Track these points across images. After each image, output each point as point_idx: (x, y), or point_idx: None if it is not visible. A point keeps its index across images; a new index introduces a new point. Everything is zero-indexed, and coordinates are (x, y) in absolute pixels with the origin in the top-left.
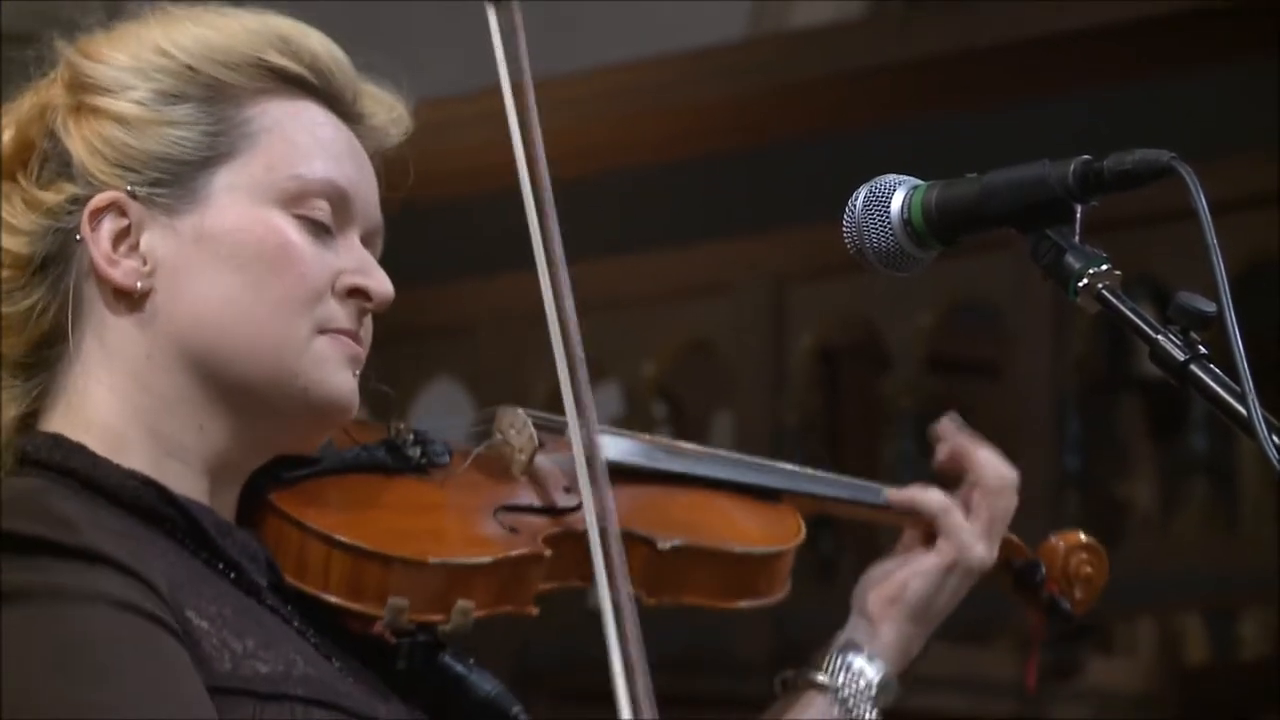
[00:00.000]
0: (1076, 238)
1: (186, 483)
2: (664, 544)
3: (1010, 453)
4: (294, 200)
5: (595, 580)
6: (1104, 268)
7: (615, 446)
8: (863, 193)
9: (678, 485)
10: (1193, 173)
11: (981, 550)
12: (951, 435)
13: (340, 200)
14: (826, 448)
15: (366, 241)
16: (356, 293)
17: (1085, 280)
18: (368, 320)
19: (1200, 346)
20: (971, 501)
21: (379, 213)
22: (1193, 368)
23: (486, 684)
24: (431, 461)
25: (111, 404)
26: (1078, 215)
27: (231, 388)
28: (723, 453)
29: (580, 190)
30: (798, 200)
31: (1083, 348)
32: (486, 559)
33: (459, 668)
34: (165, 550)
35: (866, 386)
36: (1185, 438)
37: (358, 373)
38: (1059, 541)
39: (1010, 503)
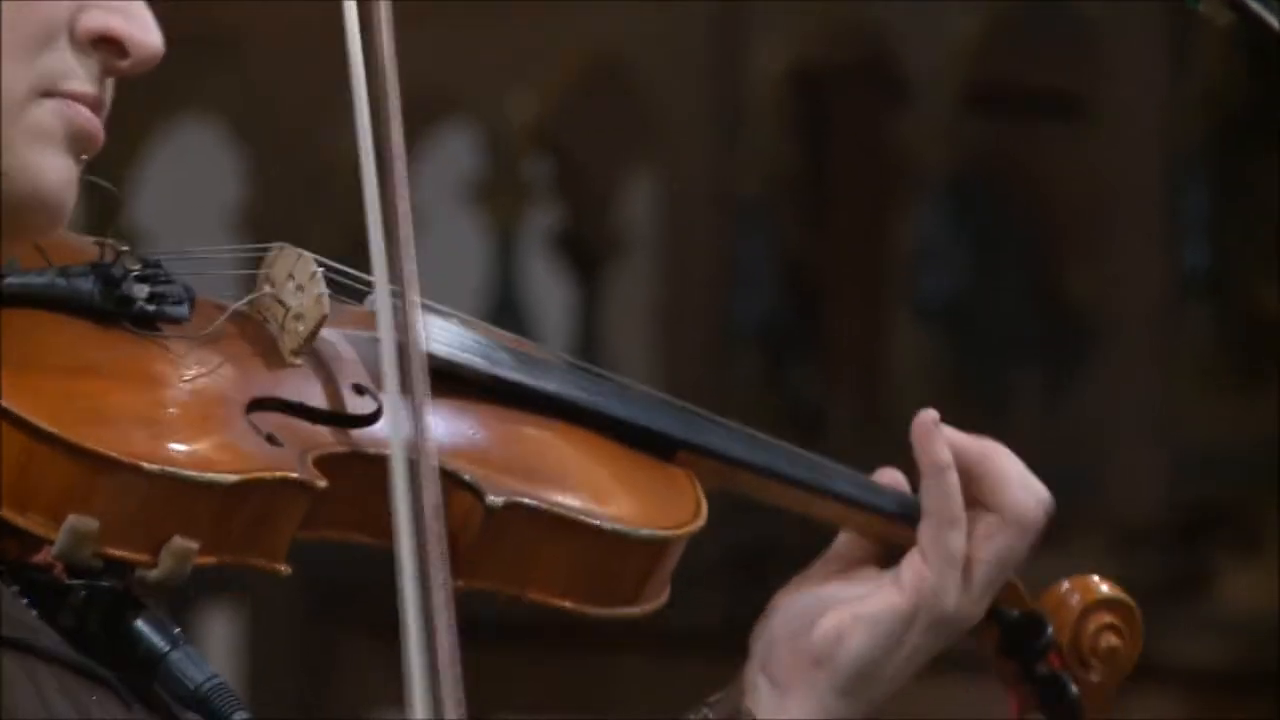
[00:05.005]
0: None
1: None
2: (494, 497)
3: (1101, 242)
4: None
5: (395, 545)
6: None
7: (442, 335)
8: None
9: (524, 409)
10: None
11: (959, 600)
12: (930, 442)
13: None
14: (807, 229)
15: None
16: (106, 42)
17: None
18: (110, 85)
19: None
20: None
21: None
22: None
23: (195, 671)
24: (162, 312)
25: None
26: None
27: None
28: (594, 369)
29: None
30: None
31: (1211, 77)
32: (230, 477)
33: (157, 641)
34: None
35: (872, 132)
36: None
37: (84, 159)
38: (1072, 592)
39: (1022, 541)
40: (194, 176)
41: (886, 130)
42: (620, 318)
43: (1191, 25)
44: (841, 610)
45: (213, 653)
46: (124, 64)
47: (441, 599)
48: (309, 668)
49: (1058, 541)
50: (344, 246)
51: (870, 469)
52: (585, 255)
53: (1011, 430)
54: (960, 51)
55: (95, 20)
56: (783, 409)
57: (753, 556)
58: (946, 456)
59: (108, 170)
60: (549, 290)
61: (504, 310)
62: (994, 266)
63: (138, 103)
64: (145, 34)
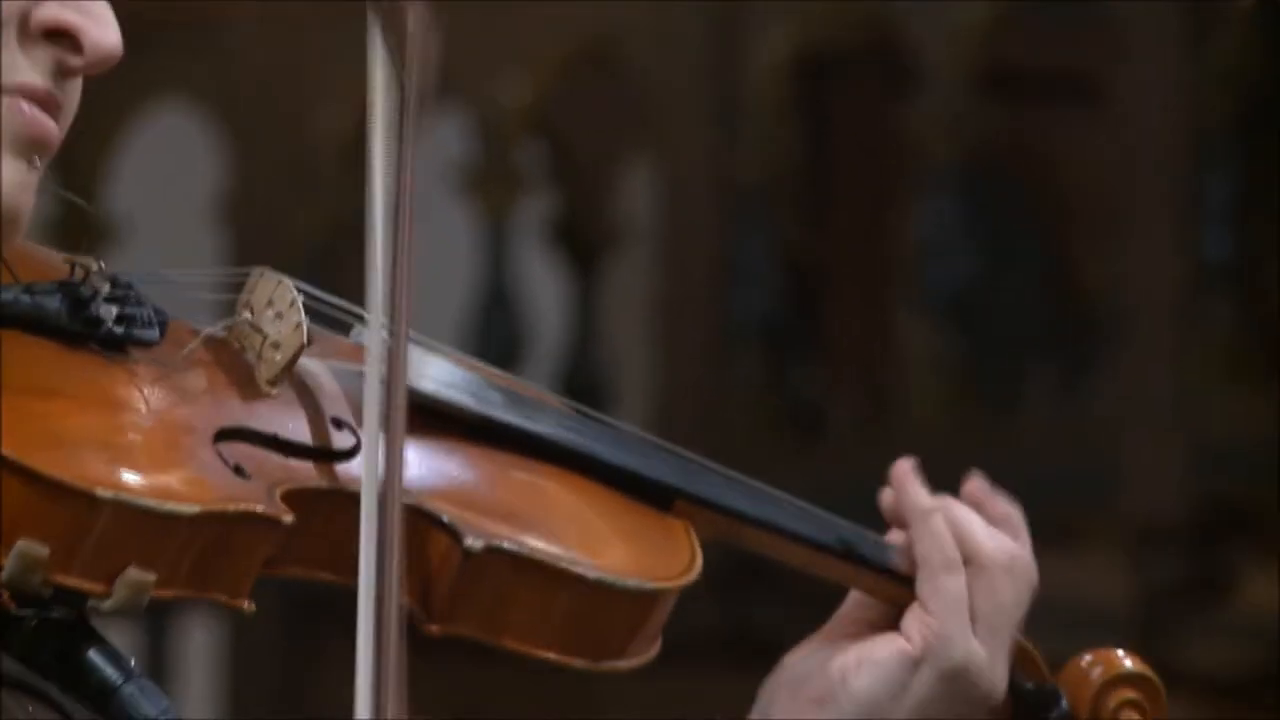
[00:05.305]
0: None
1: None
2: (472, 541)
3: (1116, 232)
4: None
5: (358, 584)
6: None
7: (430, 371)
8: None
9: (514, 452)
10: None
11: (969, 648)
12: (909, 488)
13: None
14: (810, 222)
15: None
16: (58, 35)
17: None
18: (74, 87)
19: None
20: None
21: None
22: None
23: (149, 704)
24: (131, 335)
25: None
26: None
27: None
28: (591, 413)
29: None
30: None
31: (1232, 60)
32: (190, 508)
33: (110, 673)
34: None
35: (877, 120)
36: None
37: (39, 163)
38: (1094, 665)
39: (1008, 583)
40: (174, 163)
41: (893, 118)
42: (617, 312)
43: (1211, 5)
44: (847, 654)
45: (191, 657)
46: (78, 61)
47: (394, 651)
48: (289, 673)
49: (1072, 541)
50: (326, 233)
51: (872, 471)
52: (581, 247)
53: (1023, 428)
54: (969, 35)
55: (48, 13)
56: (783, 408)
57: (748, 561)
58: (928, 501)
59: (86, 158)
60: (543, 283)
61: (496, 304)
62: (1005, 259)
63: (116, 88)
64: (101, 29)
